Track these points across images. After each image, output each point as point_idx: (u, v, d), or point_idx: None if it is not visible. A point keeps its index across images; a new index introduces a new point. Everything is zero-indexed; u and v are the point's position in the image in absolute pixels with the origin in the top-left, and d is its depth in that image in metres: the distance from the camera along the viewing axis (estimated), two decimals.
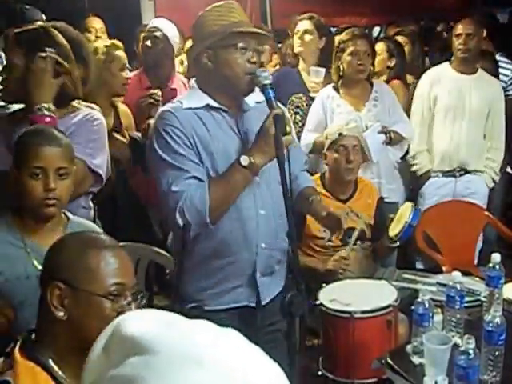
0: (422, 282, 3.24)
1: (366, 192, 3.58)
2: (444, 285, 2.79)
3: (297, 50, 4.36)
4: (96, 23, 5.05)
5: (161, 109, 2.47)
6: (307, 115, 4.08)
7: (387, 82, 4.54)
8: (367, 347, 2.70)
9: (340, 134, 3.45)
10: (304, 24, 4.36)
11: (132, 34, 4.78)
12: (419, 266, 4.20)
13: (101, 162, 2.61)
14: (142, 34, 4.28)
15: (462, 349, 2.03)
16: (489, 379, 2.19)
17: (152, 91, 3.78)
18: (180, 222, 2.28)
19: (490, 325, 2.20)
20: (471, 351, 2.00)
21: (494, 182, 4.37)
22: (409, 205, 3.30)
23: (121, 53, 3.69)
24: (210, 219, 2.29)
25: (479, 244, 4.25)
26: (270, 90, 2.29)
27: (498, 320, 2.20)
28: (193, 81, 2.51)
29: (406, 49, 4.99)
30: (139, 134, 3.70)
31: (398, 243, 3.29)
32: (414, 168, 4.39)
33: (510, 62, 5.09)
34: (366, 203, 3.54)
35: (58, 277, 1.54)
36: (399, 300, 2.81)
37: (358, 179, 3.58)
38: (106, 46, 3.63)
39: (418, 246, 4.01)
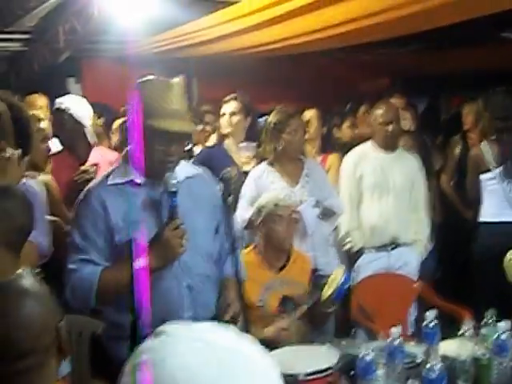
0: (361, 347, 3.29)
1: (299, 262, 3.65)
2: (382, 350, 2.85)
3: (225, 131, 4.51)
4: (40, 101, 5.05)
5: (87, 186, 2.55)
6: (237, 187, 4.17)
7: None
8: None
9: (276, 205, 3.55)
10: (230, 105, 4.53)
11: None
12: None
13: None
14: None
15: None
16: None
17: (85, 167, 3.79)
18: (68, 298, 2.37)
19: (431, 373, 2.27)
20: None
21: (425, 252, 4.55)
22: (340, 268, 3.39)
23: (44, 124, 3.75)
24: (94, 304, 2.38)
25: (415, 313, 4.35)
26: (175, 199, 2.40)
27: (438, 367, 2.27)
28: (121, 156, 2.61)
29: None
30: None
31: (332, 307, 3.36)
32: (347, 246, 4.52)
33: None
34: (299, 272, 3.59)
35: None
36: (340, 363, 2.85)
37: (291, 249, 3.66)
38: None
39: (354, 317, 4.07)
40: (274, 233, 3.50)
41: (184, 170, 2.58)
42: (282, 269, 3.57)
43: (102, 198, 2.43)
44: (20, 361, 1.48)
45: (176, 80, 2.51)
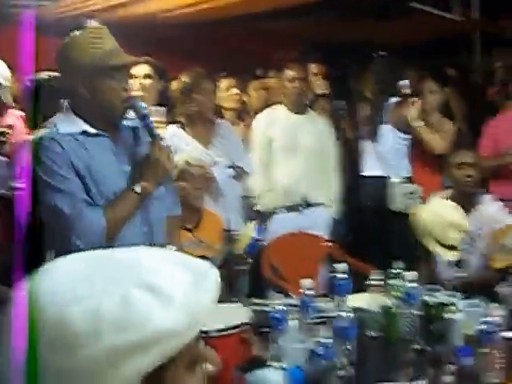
0: (273, 304, 3.31)
1: (211, 222, 3.64)
2: (294, 305, 2.87)
3: (137, 93, 4.39)
4: None
5: (35, 136, 2.50)
6: None
7: None
8: (224, 366, 2.70)
9: (188, 164, 3.51)
10: (142, 68, 4.42)
11: None
12: None
13: None
14: None
15: (319, 339, 2.10)
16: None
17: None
18: (79, 244, 2.31)
19: (341, 321, 2.30)
20: (327, 340, 2.08)
21: (335, 213, 4.64)
22: (252, 223, 3.42)
23: None
24: (106, 240, 2.36)
25: (327, 275, 4.40)
26: (149, 120, 2.46)
27: (347, 315, 2.31)
28: (66, 104, 2.52)
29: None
30: None
31: (246, 264, 3.37)
32: (258, 207, 4.54)
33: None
34: (211, 233, 3.59)
35: None
36: (252, 320, 2.85)
37: (203, 210, 3.64)
38: None
39: (265, 275, 4.11)
40: (185, 191, 3.47)
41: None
42: (193, 229, 3.55)
43: (60, 144, 2.36)
44: None
45: (94, 22, 2.53)
